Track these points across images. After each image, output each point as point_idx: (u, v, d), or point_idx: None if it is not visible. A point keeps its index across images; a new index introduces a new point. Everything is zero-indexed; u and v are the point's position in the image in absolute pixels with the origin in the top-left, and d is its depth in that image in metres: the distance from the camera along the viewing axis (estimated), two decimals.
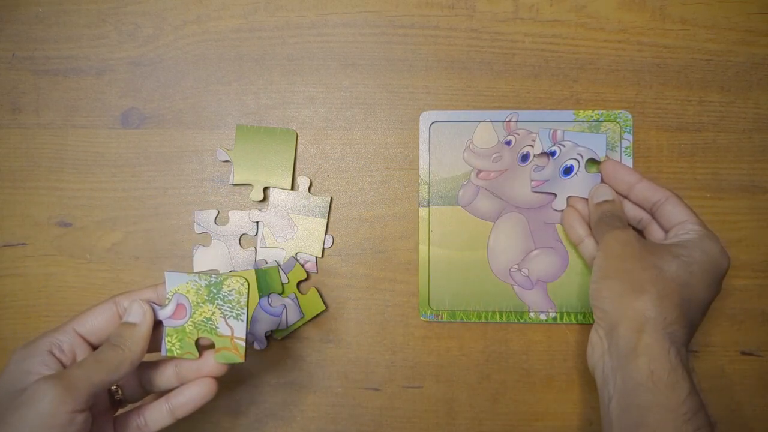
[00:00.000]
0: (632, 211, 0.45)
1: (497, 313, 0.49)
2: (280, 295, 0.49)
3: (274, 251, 0.49)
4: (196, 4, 0.50)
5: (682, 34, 0.49)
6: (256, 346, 0.49)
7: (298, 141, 0.50)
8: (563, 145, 0.47)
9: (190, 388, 0.37)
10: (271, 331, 0.49)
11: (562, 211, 0.48)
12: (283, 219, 0.49)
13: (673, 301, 0.38)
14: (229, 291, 0.37)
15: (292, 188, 0.50)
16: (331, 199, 0.50)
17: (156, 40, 0.51)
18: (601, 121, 0.49)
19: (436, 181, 0.49)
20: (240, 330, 0.37)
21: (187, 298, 0.37)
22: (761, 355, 0.49)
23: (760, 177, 0.49)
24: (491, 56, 0.50)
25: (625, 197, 0.45)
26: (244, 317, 0.37)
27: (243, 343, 0.37)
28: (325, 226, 0.50)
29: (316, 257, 0.50)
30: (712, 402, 0.49)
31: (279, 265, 0.49)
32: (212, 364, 0.37)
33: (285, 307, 0.49)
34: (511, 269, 0.49)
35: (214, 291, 0.37)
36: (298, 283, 0.49)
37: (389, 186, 0.50)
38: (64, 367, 0.34)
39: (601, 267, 0.41)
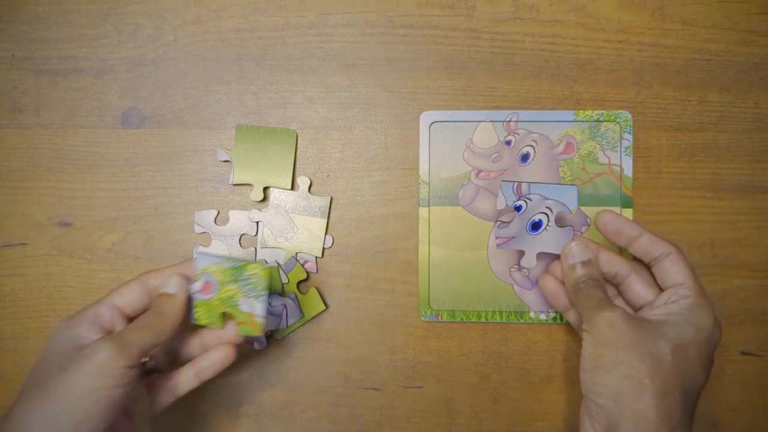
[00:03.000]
0: (608, 266, 0.42)
1: (497, 313, 0.49)
2: (280, 295, 0.49)
3: (274, 251, 0.49)
4: (196, 4, 0.50)
5: (682, 34, 0.49)
6: (256, 345, 0.49)
7: (298, 141, 0.50)
8: (529, 199, 0.45)
9: (212, 353, 0.42)
10: (271, 330, 0.49)
11: (532, 269, 0.45)
12: (283, 219, 0.49)
13: (675, 397, 0.36)
14: (251, 275, 0.41)
15: (292, 188, 0.50)
16: (331, 199, 0.50)
17: (156, 40, 0.51)
18: (601, 121, 0.49)
19: (436, 181, 0.49)
20: (260, 309, 0.41)
21: (214, 277, 0.41)
22: (761, 355, 0.49)
23: (760, 177, 0.49)
24: (491, 56, 0.50)
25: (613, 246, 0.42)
26: (264, 299, 0.41)
27: (261, 321, 0.41)
28: (325, 226, 0.50)
29: (316, 257, 0.50)
30: (712, 402, 0.49)
31: (279, 265, 0.49)
32: (232, 332, 0.42)
33: (285, 307, 0.49)
34: (511, 269, 0.49)
35: (238, 273, 0.41)
36: (298, 283, 0.49)
37: (389, 186, 0.50)
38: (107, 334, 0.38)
39: (592, 356, 0.38)
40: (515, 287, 0.49)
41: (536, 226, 0.43)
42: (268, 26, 0.50)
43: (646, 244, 0.41)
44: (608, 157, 0.49)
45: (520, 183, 0.45)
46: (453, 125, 0.49)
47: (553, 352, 0.49)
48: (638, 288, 0.41)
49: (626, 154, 0.49)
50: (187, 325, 0.41)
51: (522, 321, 0.49)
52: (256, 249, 0.50)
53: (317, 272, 0.50)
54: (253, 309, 0.41)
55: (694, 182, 0.49)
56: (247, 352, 0.50)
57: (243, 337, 0.42)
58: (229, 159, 0.50)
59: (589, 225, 0.48)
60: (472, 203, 0.49)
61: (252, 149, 0.50)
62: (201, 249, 0.43)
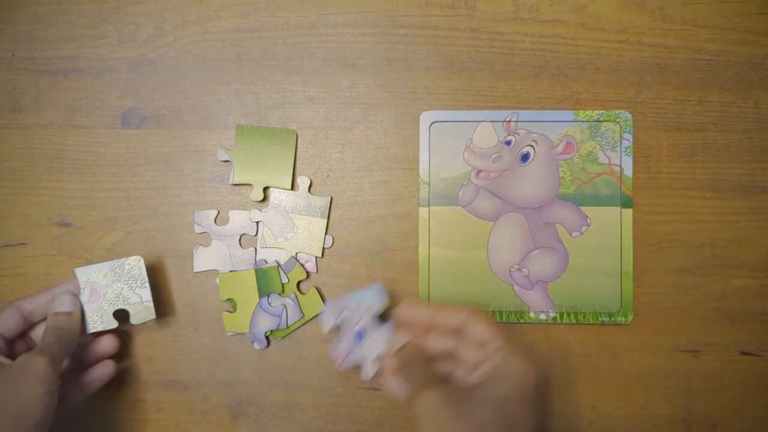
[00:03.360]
0: (439, 345, 0.42)
1: (497, 313, 0.49)
2: (280, 295, 0.49)
3: (274, 251, 0.49)
4: (196, 4, 0.50)
5: (682, 34, 0.49)
6: (256, 346, 0.49)
7: (298, 141, 0.50)
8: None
9: (96, 369, 0.47)
10: (271, 330, 0.49)
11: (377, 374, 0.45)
12: (283, 219, 0.49)
13: None
14: (131, 268, 0.47)
15: (292, 188, 0.50)
16: (331, 199, 0.50)
17: (156, 40, 0.51)
18: (601, 121, 0.49)
19: (436, 181, 0.49)
20: (146, 295, 0.47)
21: (98, 282, 0.46)
22: (761, 355, 0.49)
23: (760, 177, 0.49)
24: (491, 56, 0.50)
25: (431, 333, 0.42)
26: (147, 285, 0.46)
27: (151, 305, 0.47)
28: (325, 226, 0.50)
29: (316, 257, 0.50)
30: (712, 402, 0.49)
31: (279, 265, 0.49)
32: (111, 344, 0.48)
33: (285, 307, 0.49)
34: (511, 269, 0.49)
35: (118, 271, 0.46)
36: (298, 283, 0.49)
37: (389, 186, 0.50)
38: None
39: None
40: (515, 287, 0.49)
41: (379, 311, 0.45)
42: (268, 26, 0.50)
43: (444, 320, 0.41)
44: (608, 157, 0.49)
45: (341, 301, 0.46)
46: (453, 125, 0.49)
47: (553, 352, 0.49)
48: (473, 333, 0.41)
49: (626, 154, 0.49)
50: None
51: (522, 321, 0.49)
52: (256, 249, 0.50)
53: (317, 272, 0.50)
54: (141, 297, 0.47)
55: (694, 182, 0.49)
56: (247, 352, 0.50)
57: (117, 345, 0.48)
58: (229, 159, 0.50)
59: (589, 225, 0.48)
60: (472, 203, 0.49)
61: (252, 149, 0.50)
62: (77, 267, 0.47)
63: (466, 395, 0.38)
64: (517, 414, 0.37)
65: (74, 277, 0.46)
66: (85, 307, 0.46)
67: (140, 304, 0.47)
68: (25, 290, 0.50)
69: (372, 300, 0.45)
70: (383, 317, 0.46)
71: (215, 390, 0.50)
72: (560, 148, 0.49)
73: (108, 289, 0.46)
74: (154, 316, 0.47)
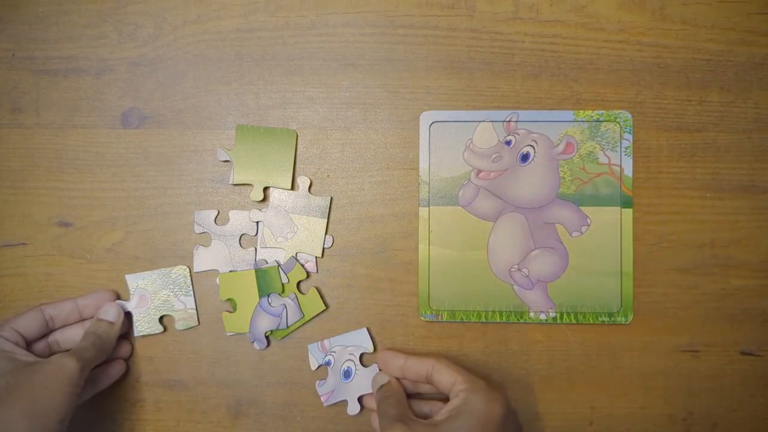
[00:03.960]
0: (415, 389, 0.47)
1: (497, 313, 0.49)
2: (280, 295, 0.49)
3: (274, 251, 0.49)
4: (196, 4, 0.50)
5: (682, 34, 0.49)
6: (256, 346, 0.49)
7: (298, 141, 0.50)
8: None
9: (109, 366, 0.49)
10: (271, 330, 0.49)
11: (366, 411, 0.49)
12: (283, 219, 0.49)
13: None
14: (177, 277, 0.49)
15: (292, 188, 0.50)
16: (331, 199, 0.50)
17: (156, 40, 0.51)
18: (601, 121, 0.49)
19: (436, 181, 0.49)
20: (190, 303, 0.49)
21: (146, 289, 0.49)
22: (761, 355, 0.49)
23: (760, 177, 0.49)
24: (491, 56, 0.50)
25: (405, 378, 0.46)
26: (191, 293, 0.49)
27: (194, 312, 0.49)
28: (325, 226, 0.50)
29: (316, 257, 0.50)
30: (712, 402, 0.49)
31: (279, 265, 0.49)
32: (126, 349, 0.50)
33: (285, 307, 0.49)
34: (511, 269, 0.49)
35: (165, 279, 0.49)
36: (298, 283, 0.49)
37: (389, 186, 0.50)
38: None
39: None
40: (515, 287, 0.49)
41: (355, 363, 0.48)
42: (268, 26, 0.50)
43: (413, 368, 0.45)
44: (608, 157, 0.49)
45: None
46: (453, 125, 0.49)
47: (553, 352, 0.49)
48: (440, 380, 0.44)
49: (626, 154, 0.49)
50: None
51: (522, 321, 0.49)
52: (256, 249, 0.50)
53: (317, 272, 0.50)
54: (185, 304, 0.49)
55: (694, 182, 0.49)
56: (247, 352, 0.50)
57: (130, 350, 0.50)
58: (229, 159, 0.50)
59: (589, 225, 0.48)
60: (472, 203, 0.49)
61: (252, 149, 0.50)
62: (128, 273, 0.50)
63: (431, 431, 0.40)
64: None
65: (104, 290, 0.49)
66: (134, 312, 0.49)
67: (184, 311, 0.49)
68: (25, 290, 0.50)
69: (359, 342, 0.49)
70: (368, 359, 0.49)
71: (215, 390, 0.50)
72: (560, 148, 0.49)
73: (155, 296, 0.49)
74: (198, 323, 0.49)
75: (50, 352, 0.47)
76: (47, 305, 0.47)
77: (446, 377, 0.43)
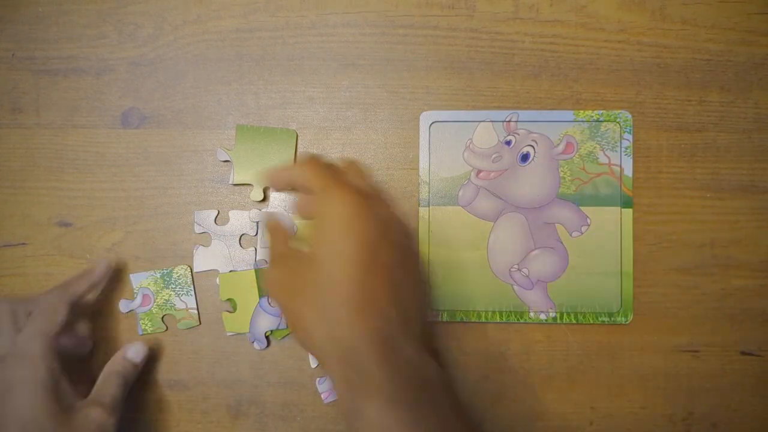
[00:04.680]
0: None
1: (497, 313, 0.49)
2: None
3: None
4: (196, 4, 0.50)
5: (682, 34, 0.49)
6: (256, 346, 0.49)
7: (298, 141, 0.50)
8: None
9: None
10: (271, 330, 0.49)
11: None
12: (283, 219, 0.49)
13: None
14: (178, 276, 0.49)
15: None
16: None
17: (156, 40, 0.51)
18: (601, 121, 0.49)
19: (436, 181, 0.49)
20: (191, 303, 0.50)
21: (149, 288, 0.49)
22: (761, 355, 0.49)
23: (760, 177, 0.49)
24: (491, 56, 0.50)
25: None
26: (192, 293, 0.49)
27: (195, 312, 0.50)
28: None
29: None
30: (712, 402, 0.49)
31: None
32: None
33: None
34: (511, 269, 0.49)
35: (167, 279, 0.49)
36: None
37: (389, 186, 0.50)
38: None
39: None
40: (515, 287, 0.49)
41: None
42: (268, 26, 0.50)
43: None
44: (608, 157, 0.49)
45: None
46: (453, 125, 0.49)
47: (553, 352, 0.49)
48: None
49: (626, 154, 0.49)
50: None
51: (522, 321, 0.49)
52: (256, 249, 0.50)
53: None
54: (187, 304, 0.49)
55: (694, 182, 0.49)
56: (247, 352, 0.50)
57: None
58: (229, 159, 0.50)
59: (589, 225, 0.48)
60: (472, 203, 0.49)
61: (252, 149, 0.50)
62: (132, 272, 0.50)
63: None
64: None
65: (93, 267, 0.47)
66: (137, 312, 0.49)
67: (185, 311, 0.49)
68: (25, 290, 0.50)
69: None
70: None
71: (215, 390, 0.50)
72: (560, 148, 0.49)
73: (158, 295, 0.49)
74: (199, 323, 0.50)
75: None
76: (63, 292, 0.44)
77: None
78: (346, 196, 0.35)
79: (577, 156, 0.49)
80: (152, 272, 0.49)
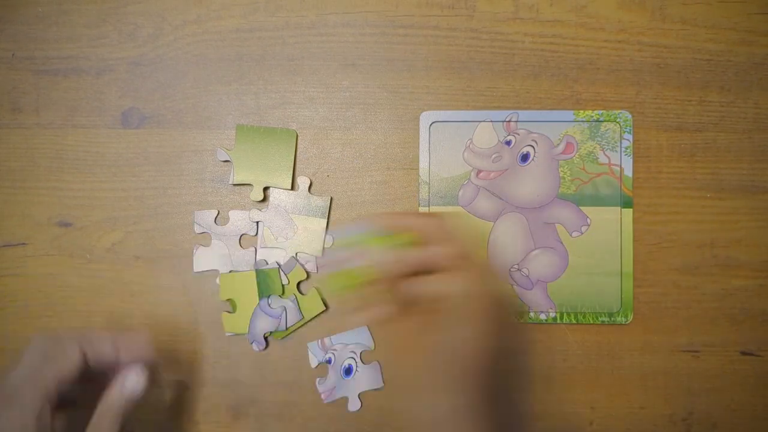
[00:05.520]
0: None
1: None
2: (280, 296, 0.49)
3: (274, 251, 0.49)
4: (196, 4, 0.50)
5: (682, 34, 0.49)
6: (255, 347, 0.49)
7: (298, 141, 0.50)
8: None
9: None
10: (270, 332, 0.49)
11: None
12: (283, 219, 0.49)
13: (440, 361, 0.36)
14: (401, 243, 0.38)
15: (292, 188, 0.50)
16: (331, 199, 0.50)
17: (156, 40, 0.51)
18: (601, 121, 0.49)
19: (436, 181, 0.49)
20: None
21: (368, 246, 0.39)
22: (761, 355, 0.49)
23: (760, 177, 0.49)
24: (491, 56, 0.50)
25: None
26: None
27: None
28: (325, 226, 0.50)
29: (316, 257, 0.50)
30: (712, 402, 0.49)
31: (279, 266, 0.49)
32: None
33: (284, 308, 0.49)
34: (511, 269, 0.49)
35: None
36: (298, 283, 0.49)
37: (389, 186, 0.50)
38: None
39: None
40: (515, 287, 0.49)
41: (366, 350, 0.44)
42: (268, 26, 0.50)
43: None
44: (608, 157, 0.49)
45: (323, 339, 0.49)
46: (453, 125, 0.49)
47: (553, 352, 0.49)
48: None
49: (626, 154, 0.49)
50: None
51: (522, 321, 0.49)
52: (256, 249, 0.50)
53: (317, 272, 0.50)
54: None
55: (694, 182, 0.49)
56: (247, 352, 0.50)
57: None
58: (229, 159, 0.50)
59: (589, 225, 0.48)
60: (472, 203, 0.49)
61: (252, 149, 0.50)
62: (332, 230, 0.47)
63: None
64: (456, 329, 0.36)
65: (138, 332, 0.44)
66: (346, 266, 0.40)
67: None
68: (25, 290, 0.50)
69: (360, 340, 0.49)
70: (368, 356, 0.49)
71: (215, 390, 0.50)
72: (560, 148, 0.49)
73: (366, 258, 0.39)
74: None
75: None
76: (83, 340, 0.40)
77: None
78: (485, 296, 0.36)
79: (577, 156, 0.49)
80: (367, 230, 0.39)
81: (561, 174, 0.49)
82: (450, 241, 0.37)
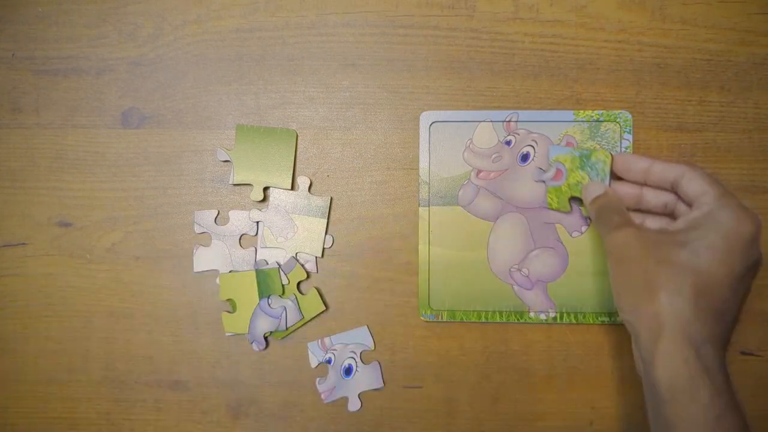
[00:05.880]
0: (654, 199, 0.43)
1: (497, 313, 0.49)
2: (280, 296, 0.49)
3: (274, 251, 0.49)
4: (196, 4, 0.50)
5: (682, 34, 0.49)
6: (255, 347, 0.49)
7: (298, 141, 0.50)
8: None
9: None
10: (270, 332, 0.49)
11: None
12: (283, 219, 0.49)
13: (687, 297, 0.36)
14: (596, 161, 0.45)
15: (292, 188, 0.50)
16: (331, 199, 0.50)
17: (156, 40, 0.51)
18: (601, 121, 0.49)
19: (436, 181, 0.49)
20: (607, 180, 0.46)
21: (564, 165, 0.46)
22: (761, 355, 0.49)
23: (760, 177, 0.49)
24: (491, 56, 0.50)
25: (646, 185, 0.43)
26: (607, 182, 0.45)
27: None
28: (325, 226, 0.50)
29: (316, 257, 0.50)
30: None
31: (279, 266, 0.49)
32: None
33: (285, 309, 0.49)
34: (511, 269, 0.49)
35: (585, 161, 0.46)
36: (298, 284, 0.49)
37: (389, 186, 0.50)
38: None
39: (612, 278, 0.40)
40: (515, 287, 0.49)
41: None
42: (268, 26, 0.50)
43: (660, 172, 0.42)
44: None
45: (322, 340, 0.49)
46: (453, 125, 0.49)
47: (553, 352, 0.49)
48: (688, 189, 0.41)
49: None
50: None
51: (522, 321, 0.49)
52: (256, 249, 0.50)
53: (317, 272, 0.50)
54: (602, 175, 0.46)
55: None
56: (247, 352, 0.50)
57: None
58: (229, 159, 0.50)
59: (589, 225, 0.48)
60: (472, 203, 0.49)
61: (252, 149, 0.50)
62: (552, 144, 0.48)
63: (662, 239, 0.39)
64: (712, 264, 0.37)
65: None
66: (547, 184, 0.47)
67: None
68: (25, 290, 0.50)
69: (360, 339, 0.49)
70: (368, 356, 0.49)
71: (215, 390, 0.50)
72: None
73: (570, 174, 0.46)
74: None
75: None
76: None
77: (697, 187, 0.39)
78: (752, 217, 0.38)
79: None
80: (570, 149, 0.46)
81: None
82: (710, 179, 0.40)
